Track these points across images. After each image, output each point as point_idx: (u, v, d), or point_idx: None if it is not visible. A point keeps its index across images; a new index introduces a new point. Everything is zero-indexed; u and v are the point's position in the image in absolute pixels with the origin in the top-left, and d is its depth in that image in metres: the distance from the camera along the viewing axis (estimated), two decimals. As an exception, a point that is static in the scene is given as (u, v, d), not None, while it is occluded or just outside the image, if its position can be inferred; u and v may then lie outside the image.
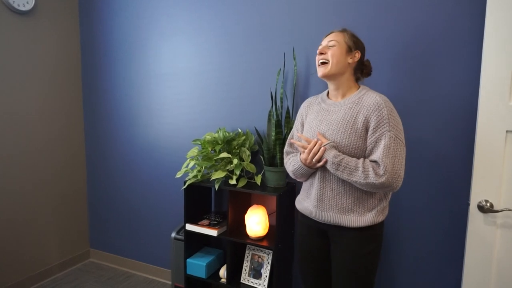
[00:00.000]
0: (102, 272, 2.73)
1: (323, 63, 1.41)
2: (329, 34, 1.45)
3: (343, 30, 1.44)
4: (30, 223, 2.48)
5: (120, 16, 2.55)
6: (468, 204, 1.62)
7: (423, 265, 1.85)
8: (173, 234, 2.31)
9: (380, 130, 1.30)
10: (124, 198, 2.73)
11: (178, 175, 2.05)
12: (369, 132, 1.32)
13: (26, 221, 2.45)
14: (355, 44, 1.42)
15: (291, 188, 2.04)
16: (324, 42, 1.43)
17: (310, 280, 1.58)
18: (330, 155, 1.35)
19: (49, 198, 2.60)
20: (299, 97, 2.04)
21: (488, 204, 1.53)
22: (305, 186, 1.54)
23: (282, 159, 1.94)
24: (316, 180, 1.45)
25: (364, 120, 1.33)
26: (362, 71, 1.48)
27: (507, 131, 1.48)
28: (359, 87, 1.45)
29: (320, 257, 1.53)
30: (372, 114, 1.32)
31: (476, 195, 1.57)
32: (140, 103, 2.56)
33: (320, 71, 1.42)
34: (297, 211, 2.06)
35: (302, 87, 2.02)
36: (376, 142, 1.30)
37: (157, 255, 2.64)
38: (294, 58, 1.96)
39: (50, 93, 2.55)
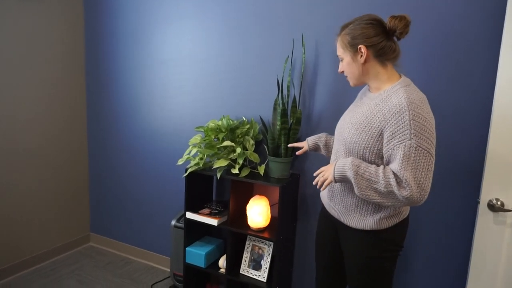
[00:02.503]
0: (101, 256, 2.72)
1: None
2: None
3: (341, 32, 1.31)
4: (31, 205, 2.46)
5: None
6: (478, 202, 1.57)
7: (427, 262, 1.80)
8: (173, 222, 2.28)
9: (399, 138, 1.14)
10: (125, 183, 2.70)
11: (180, 162, 2.01)
12: (386, 138, 1.18)
13: (26, 203, 2.44)
14: (355, 39, 1.25)
15: (295, 180, 1.99)
16: (337, 54, 1.38)
17: (321, 269, 1.58)
18: (348, 161, 1.22)
19: (50, 182, 2.57)
20: (306, 86, 1.98)
21: (499, 203, 1.48)
22: None
23: (286, 149, 1.89)
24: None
25: (383, 121, 1.18)
26: (385, 57, 1.26)
27: (523, 128, 1.42)
28: (399, 78, 1.27)
29: (332, 249, 1.51)
30: (391, 118, 1.16)
31: (487, 193, 1.52)
32: (143, 89, 2.51)
33: (350, 84, 1.39)
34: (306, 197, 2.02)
35: (310, 76, 1.96)
36: (394, 150, 1.15)
37: (157, 242, 2.62)
38: (302, 45, 1.90)
39: (52, 79, 2.50)
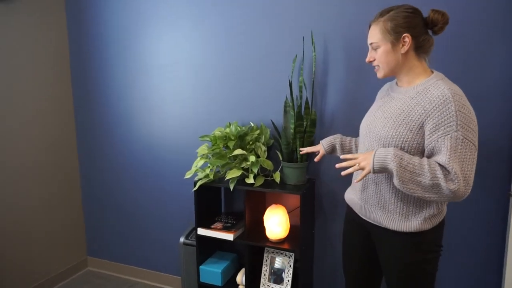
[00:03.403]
0: (102, 281, 2.53)
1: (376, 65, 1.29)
2: (369, 28, 1.27)
3: (379, 18, 1.23)
4: (20, 232, 2.25)
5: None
6: (510, 195, 1.51)
7: (459, 257, 1.73)
8: (182, 239, 2.13)
9: (445, 129, 1.10)
10: (121, 200, 2.52)
11: (188, 175, 1.87)
12: (429, 130, 1.13)
13: (15, 230, 2.22)
14: (398, 27, 1.19)
15: (311, 185, 1.88)
16: (369, 41, 1.27)
17: (350, 277, 1.48)
18: (390, 151, 1.13)
19: (40, 203, 2.36)
20: (317, 85, 1.88)
21: (536, 196, 1.43)
22: (353, 175, 1.44)
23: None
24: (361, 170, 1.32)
25: (423, 113, 1.14)
26: (423, 49, 1.23)
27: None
28: (432, 73, 1.23)
29: (363, 253, 1.42)
30: (435, 109, 1.12)
31: (521, 186, 1.47)
32: (138, 98, 2.34)
33: (377, 75, 1.30)
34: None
35: (321, 75, 1.86)
36: (438, 142, 1.11)
37: (162, 261, 2.46)
38: (312, 43, 1.80)
39: (35, 89, 2.30)
